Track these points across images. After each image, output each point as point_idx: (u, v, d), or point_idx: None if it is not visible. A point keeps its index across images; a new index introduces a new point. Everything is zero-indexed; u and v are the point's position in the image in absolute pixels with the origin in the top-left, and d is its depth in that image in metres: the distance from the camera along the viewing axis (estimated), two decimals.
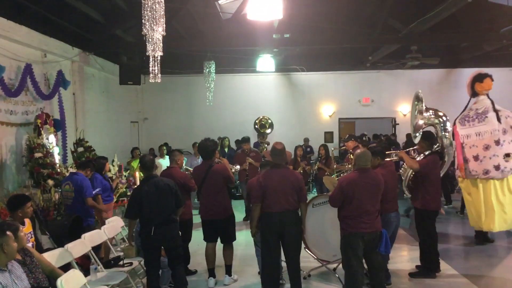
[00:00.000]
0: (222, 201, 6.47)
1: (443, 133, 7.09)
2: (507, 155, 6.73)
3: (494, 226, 6.90)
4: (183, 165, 8.10)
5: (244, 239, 8.42)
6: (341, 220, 5.49)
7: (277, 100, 16.66)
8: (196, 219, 7.02)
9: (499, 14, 12.23)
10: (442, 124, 7.10)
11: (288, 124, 16.33)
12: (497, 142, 6.74)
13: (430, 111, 7.22)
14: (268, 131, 14.35)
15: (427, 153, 6.63)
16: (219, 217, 6.42)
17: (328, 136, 16.60)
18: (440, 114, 7.19)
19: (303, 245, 6.29)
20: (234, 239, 6.65)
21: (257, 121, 14.34)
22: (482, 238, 8.29)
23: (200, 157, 11.28)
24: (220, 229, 6.47)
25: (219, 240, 6.62)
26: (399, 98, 16.49)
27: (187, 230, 6.81)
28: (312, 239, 6.65)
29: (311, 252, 6.73)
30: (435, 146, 6.74)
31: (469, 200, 7.19)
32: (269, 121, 14.40)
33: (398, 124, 16.71)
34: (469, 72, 7.60)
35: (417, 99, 7.22)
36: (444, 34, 12.57)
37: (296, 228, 5.73)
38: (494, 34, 12.05)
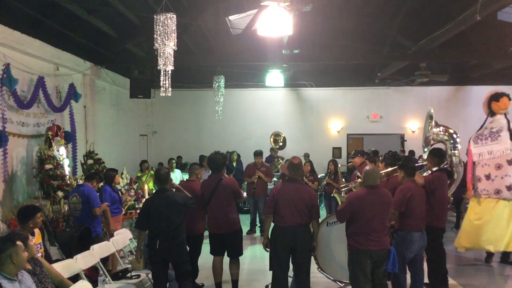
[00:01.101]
0: (230, 215, 6.46)
1: (453, 151, 7.05)
2: None
3: (502, 246, 6.85)
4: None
5: (250, 253, 8.43)
6: (348, 237, 5.47)
7: (285, 115, 16.72)
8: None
9: (509, 32, 12.25)
10: (452, 142, 7.06)
11: (297, 139, 16.34)
12: (510, 162, 6.69)
13: (441, 127, 7.21)
14: (280, 144, 14.41)
15: (434, 169, 6.61)
16: (227, 231, 6.41)
17: (337, 151, 16.59)
18: (451, 131, 7.16)
19: (316, 266, 6.29)
20: (241, 254, 6.63)
21: (272, 135, 14.45)
22: (491, 256, 8.20)
23: (210, 170, 11.37)
24: (228, 243, 6.47)
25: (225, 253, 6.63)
26: (407, 115, 16.49)
27: (198, 244, 6.83)
28: (326, 260, 6.41)
29: (326, 273, 6.48)
30: (443, 164, 6.69)
31: (469, 219, 7.14)
32: (282, 135, 14.50)
33: (406, 140, 16.68)
34: (478, 90, 7.62)
35: (429, 115, 7.23)
36: (453, 52, 12.58)
37: (309, 244, 5.73)
38: (503, 52, 12.05)
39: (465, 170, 7.28)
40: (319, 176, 11.32)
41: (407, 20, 11.38)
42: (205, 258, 7.13)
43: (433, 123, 7.11)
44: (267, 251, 5.96)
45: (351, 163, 10.10)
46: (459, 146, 7.07)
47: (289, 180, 5.89)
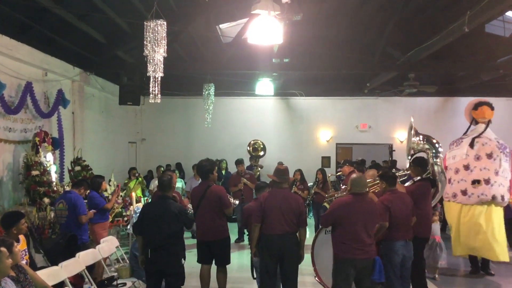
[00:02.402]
0: (218, 223, 6.44)
1: (435, 160, 7.09)
2: (476, 181, 6.70)
3: (456, 250, 6.91)
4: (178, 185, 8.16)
5: (237, 262, 8.39)
6: (334, 245, 5.46)
7: (275, 123, 16.74)
8: (188, 240, 6.99)
9: (496, 44, 12.43)
10: (433, 151, 7.10)
11: (286, 148, 16.37)
12: (466, 167, 6.73)
13: (420, 136, 7.26)
14: (261, 153, 14.46)
15: (416, 179, 6.63)
16: (214, 239, 6.39)
17: (325, 161, 16.61)
18: (433, 141, 7.21)
19: (314, 275, 6.26)
20: (229, 262, 6.61)
21: (250, 144, 14.49)
22: (479, 267, 8.20)
23: (199, 179, 11.35)
24: (215, 251, 6.44)
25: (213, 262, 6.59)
26: (396, 125, 16.58)
27: None
28: (325, 268, 6.24)
29: (324, 283, 6.36)
30: (426, 173, 6.72)
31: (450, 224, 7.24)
32: (261, 145, 14.55)
33: (394, 150, 16.77)
34: (466, 101, 7.70)
35: (410, 126, 7.31)
36: (441, 63, 12.72)
37: (297, 252, 5.72)
38: (491, 64, 12.20)
39: None
40: (308, 185, 11.31)
41: (396, 31, 11.47)
42: (193, 267, 7.08)
43: (413, 132, 7.18)
44: (256, 259, 5.95)
45: (340, 172, 10.13)
46: (441, 155, 7.11)
47: (276, 187, 5.89)
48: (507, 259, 7.05)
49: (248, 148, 14.69)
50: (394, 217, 5.77)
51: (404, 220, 5.93)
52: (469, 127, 7.33)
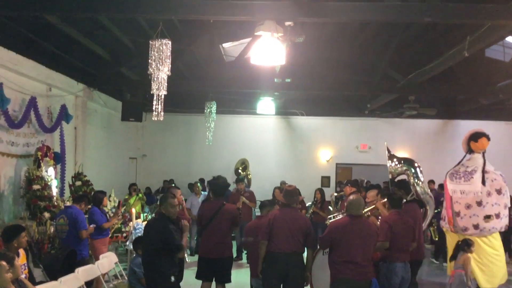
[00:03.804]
0: (226, 241, 6.51)
1: (416, 181, 7.20)
2: (488, 216, 6.83)
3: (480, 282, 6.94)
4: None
5: (234, 280, 8.34)
6: (330, 266, 5.47)
7: (275, 142, 16.79)
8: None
9: (496, 69, 12.54)
10: (413, 171, 7.22)
11: (286, 167, 16.40)
12: (479, 203, 6.85)
13: (395, 159, 7.39)
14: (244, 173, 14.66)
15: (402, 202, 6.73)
16: (219, 256, 6.41)
17: (325, 180, 16.62)
18: (416, 164, 7.35)
19: None
20: (230, 281, 6.62)
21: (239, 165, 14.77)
22: None
23: (200, 196, 11.38)
24: (218, 269, 6.44)
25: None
26: (396, 146, 16.57)
27: (179, 269, 6.78)
28: None
29: None
30: (410, 195, 6.83)
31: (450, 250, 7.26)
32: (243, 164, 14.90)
33: None
34: (465, 124, 7.78)
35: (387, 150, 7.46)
36: (441, 86, 12.82)
37: (301, 272, 5.72)
38: (490, 88, 12.29)
39: (437, 200, 7.42)
40: (306, 205, 11.33)
41: (397, 53, 11.61)
42: (190, 284, 7.08)
43: (388, 157, 7.30)
44: (260, 277, 5.93)
45: (342, 192, 10.17)
46: (421, 176, 7.21)
47: (284, 207, 5.95)
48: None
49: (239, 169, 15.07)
50: (395, 238, 5.81)
51: (405, 242, 5.98)
52: (465, 156, 7.42)
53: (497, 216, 6.88)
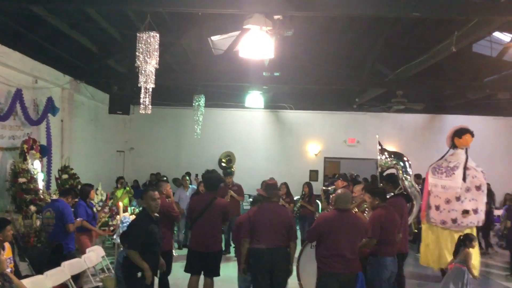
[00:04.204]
0: (216, 235, 6.52)
1: (405, 175, 7.29)
2: (466, 211, 6.98)
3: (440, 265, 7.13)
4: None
5: (222, 274, 8.34)
6: (317, 259, 5.49)
7: (264, 136, 16.80)
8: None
9: (483, 64, 12.64)
10: (402, 165, 7.31)
11: (274, 160, 16.43)
12: (458, 198, 7.01)
13: (386, 153, 7.47)
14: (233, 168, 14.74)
15: (389, 195, 6.79)
16: (209, 250, 6.40)
17: (313, 174, 16.68)
18: (405, 159, 7.44)
19: None
20: (218, 274, 6.62)
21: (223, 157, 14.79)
22: None
23: (188, 190, 11.36)
24: (207, 263, 6.44)
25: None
26: (384, 141, 16.46)
27: (167, 262, 6.77)
28: (310, 283, 6.23)
29: None
30: (398, 188, 6.92)
31: (425, 241, 7.37)
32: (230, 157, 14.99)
33: None
34: (452, 119, 7.85)
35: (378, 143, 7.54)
36: (429, 81, 12.90)
37: (286, 266, 5.74)
38: (477, 84, 12.39)
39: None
40: (294, 198, 11.34)
41: (385, 48, 11.65)
42: (178, 278, 7.07)
43: (378, 150, 7.38)
44: (244, 276, 5.93)
45: (333, 186, 10.21)
46: (410, 170, 7.30)
47: (266, 201, 5.95)
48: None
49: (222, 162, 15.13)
50: (385, 233, 5.84)
51: (393, 236, 6.04)
52: (448, 150, 7.52)
53: (475, 211, 7.04)
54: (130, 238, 5.28)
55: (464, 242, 6.64)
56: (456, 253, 6.69)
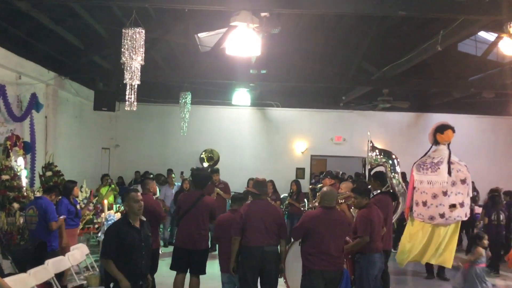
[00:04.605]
0: (203, 233, 6.49)
1: (393, 173, 7.35)
2: (453, 205, 7.07)
3: (422, 259, 7.18)
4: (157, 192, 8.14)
5: (209, 271, 8.33)
6: (303, 257, 5.50)
7: (251, 133, 16.79)
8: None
9: (468, 64, 12.77)
10: (391, 163, 7.36)
11: (261, 158, 16.42)
12: (445, 193, 7.07)
13: (377, 150, 7.52)
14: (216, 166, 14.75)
15: (375, 192, 6.83)
16: (195, 248, 6.38)
17: (300, 172, 16.70)
18: (393, 156, 7.48)
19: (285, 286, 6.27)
20: (205, 272, 6.61)
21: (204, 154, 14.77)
22: (436, 274, 8.80)
23: (173, 187, 11.32)
24: (193, 260, 6.41)
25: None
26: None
27: (154, 260, 6.73)
28: (295, 280, 6.14)
29: None
30: (385, 187, 6.96)
31: (406, 237, 7.45)
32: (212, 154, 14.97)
33: None
34: (437, 117, 7.92)
35: (368, 140, 7.58)
36: (415, 80, 12.99)
37: (276, 265, 5.72)
38: (463, 82, 12.51)
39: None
40: (281, 196, 11.37)
41: (372, 46, 11.70)
42: (163, 276, 7.04)
43: (369, 147, 7.42)
44: (234, 275, 5.90)
45: (320, 184, 10.25)
46: (398, 168, 7.36)
47: (256, 198, 5.95)
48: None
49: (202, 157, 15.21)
50: (373, 230, 5.88)
51: (379, 232, 6.10)
52: (431, 147, 7.61)
53: (461, 205, 7.11)
54: (102, 245, 4.96)
55: (475, 240, 6.70)
56: (467, 252, 6.72)
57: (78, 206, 7.92)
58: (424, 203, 7.19)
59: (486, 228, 9.75)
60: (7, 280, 4.75)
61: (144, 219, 5.00)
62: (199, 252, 6.43)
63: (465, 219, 7.27)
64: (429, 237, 7.26)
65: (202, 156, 15.56)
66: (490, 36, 11.51)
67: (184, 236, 6.46)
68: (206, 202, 6.53)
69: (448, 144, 7.39)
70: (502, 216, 9.75)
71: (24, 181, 8.81)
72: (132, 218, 4.84)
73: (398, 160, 7.55)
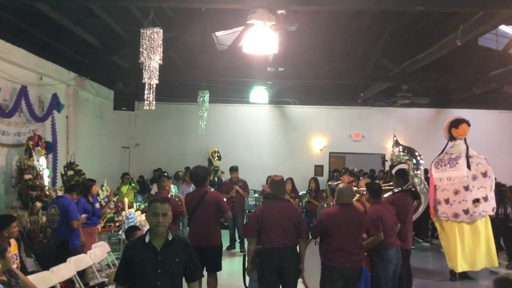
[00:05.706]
0: (213, 229, 6.47)
1: (415, 172, 7.24)
2: (476, 200, 6.90)
3: (456, 266, 7.03)
4: (172, 191, 8.16)
5: (228, 269, 8.40)
6: (321, 254, 5.48)
7: (269, 131, 16.79)
8: None
9: (489, 58, 12.57)
10: (414, 162, 7.25)
11: (279, 156, 16.41)
12: (466, 188, 6.91)
13: (400, 147, 7.42)
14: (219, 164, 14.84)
15: (396, 190, 6.75)
16: (208, 245, 6.38)
17: (318, 169, 16.66)
18: (416, 153, 7.37)
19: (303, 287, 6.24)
20: (220, 269, 6.62)
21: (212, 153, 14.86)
22: (459, 275, 8.40)
23: (191, 185, 11.38)
24: (208, 258, 6.43)
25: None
26: (389, 135, 16.48)
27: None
28: (313, 280, 6.20)
29: None
30: (407, 185, 6.87)
31: (443, 239, 7.32)
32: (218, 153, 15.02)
33: (387, 160, 16.80)
34: (458, 113, 7.81)
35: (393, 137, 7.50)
36: (434, 75, 12.84)
37: (296, 265, 5.64)
38: (483, 77, 12.32)
39: None
40: (300, 194, 11.35)
41: (390, 42, 11.60)
42: None
43: (393, 142, 7.32)
44: (250, 276, 5.88)
45: (339, 181, 10.21)
46: (421, 166, 7.25)
47: (271, 198, 5.82)
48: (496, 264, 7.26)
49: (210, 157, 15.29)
50: (385, 226, 5.85)
51: (393, 228, 6.06)
52: (447, 143, 7.47)
53: (485, 199, 6.94)
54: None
55: None
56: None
57: (97, 205, 8.01)
58: (447, 201, 7.05)
59: (493, 222, 9.62)
60: (30, 278, 4.83)
61: (177, 236, 3.98)
62: (212, 248, 6.43)
63: (492, 213, 7.09)
64: (461, 239, 7.08)
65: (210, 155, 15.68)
66: (511, 30, 11.33)
67: (195, 235, 6.46)
68: (210, 198, 6.51)
69: (465, 139, 7.25)
70: (509, 210, 9.63)
71: (46, 180, 8.96)
72: (152, 235, 3.82)
73: (422, 157, 7.41)
